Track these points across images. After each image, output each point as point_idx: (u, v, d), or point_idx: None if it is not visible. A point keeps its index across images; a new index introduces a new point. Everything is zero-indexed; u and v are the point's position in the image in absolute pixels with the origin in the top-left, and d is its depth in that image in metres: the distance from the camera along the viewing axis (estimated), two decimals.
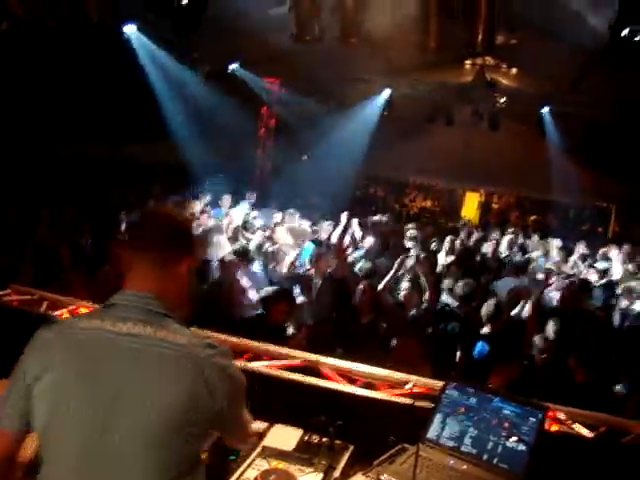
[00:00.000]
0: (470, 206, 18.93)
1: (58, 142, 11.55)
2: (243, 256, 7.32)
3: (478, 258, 9.93)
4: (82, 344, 1.80)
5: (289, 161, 15.21)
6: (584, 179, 14.33)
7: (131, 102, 11.59)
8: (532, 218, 17.81)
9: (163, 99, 12.56)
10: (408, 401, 2.89)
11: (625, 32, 5.84)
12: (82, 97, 11.10)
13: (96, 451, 1.73)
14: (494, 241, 11.06)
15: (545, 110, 14.05)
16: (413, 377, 3.18)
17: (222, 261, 6.92)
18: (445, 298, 7.06)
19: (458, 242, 10.35)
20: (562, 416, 2.96)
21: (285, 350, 3.50)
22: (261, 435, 2.75)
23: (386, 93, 14.68)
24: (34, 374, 1.79)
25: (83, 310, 3.81)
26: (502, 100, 13.86)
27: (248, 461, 2.53)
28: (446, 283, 7.46)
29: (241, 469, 2.46)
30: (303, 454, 2.64)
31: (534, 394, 2.94)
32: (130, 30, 10.85)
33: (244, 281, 6.91)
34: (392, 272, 6.57)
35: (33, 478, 1.86)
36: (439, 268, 8.70)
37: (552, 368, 5.13)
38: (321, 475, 2.49)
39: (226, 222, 9.61)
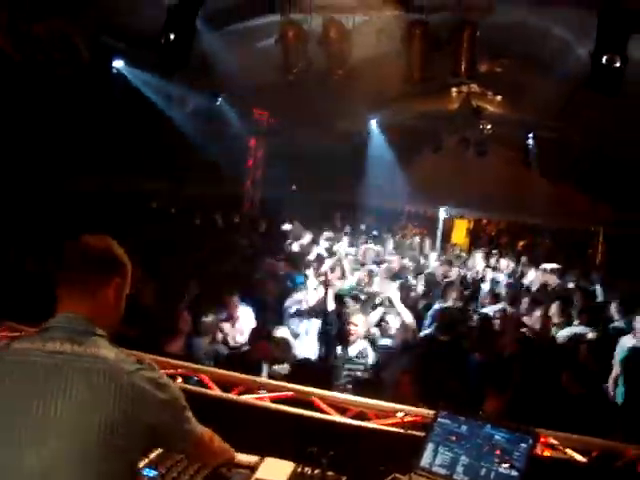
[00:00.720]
0: (459, 233, 19.04)
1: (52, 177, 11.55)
2: None
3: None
4: (10, 366, 1.83)
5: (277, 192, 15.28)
6: (572, 203, 14.46)
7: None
8: (522, 243, 17.91)
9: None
10: (400, 430, 2.89)
11: (604, 59, 5.95)
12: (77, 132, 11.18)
13: (26, 466, 1.72)
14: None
15: (530, 136, 14.23)
16: (404, 406, 3.18)
17: None
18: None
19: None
20: (554, 441, 2.96)
21: (275, 382, 3.51)
22: (253, 469, 2.73)
23: (373, 123, 14.83)
24: None
25: None
26: (488, 127, 14.01)
27: None
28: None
29: None
30: None
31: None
32: (118, 65, 10.99)
33: None
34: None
35: None
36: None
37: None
38: None
39: None
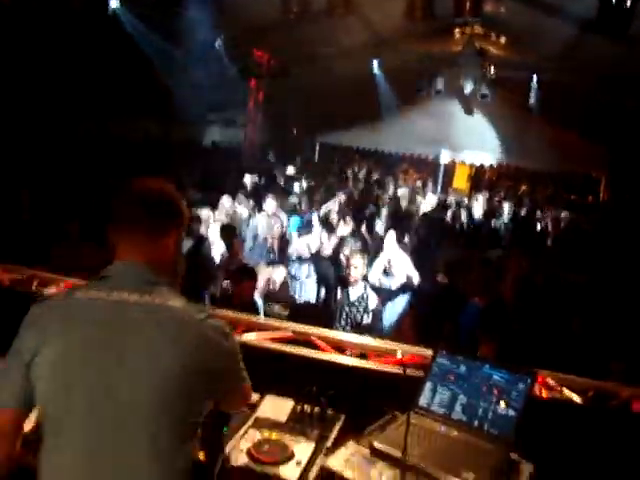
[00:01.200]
0: (461, 178, 18.94)
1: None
2: None
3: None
4: (80, 314, 1.82)
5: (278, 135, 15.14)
6: (573, 148, 14.34)
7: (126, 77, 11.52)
8: (523, 188, 17.84)
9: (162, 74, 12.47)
10: (399, 370, 2.91)
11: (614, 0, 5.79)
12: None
13: (103, 417, 1.76)
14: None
15: (534, 80, 14.03)
16: (403, 346, 3.20)
17: None
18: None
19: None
20: (551, 381, 2.99)
21: (276, 322, 3.52)
22: (254, 406, 2.77)
23: (374, 65, 14.61)
24: (32, 349, 1.80)
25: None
26: (492, 70, 13.81)
27: (241, 432, 2.56)
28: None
29: (234, 440, 2.48)
30: (296, 424, 2.67)
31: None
32: (114, 4, 10.79)
33: None
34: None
35: (31, 451, 1.89)
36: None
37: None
38: (313, 444, 2.51)
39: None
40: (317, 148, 16.91)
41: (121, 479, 1.78)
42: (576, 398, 2.95)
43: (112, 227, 1.94)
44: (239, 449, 2.42)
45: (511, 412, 2.49)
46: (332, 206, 9.79)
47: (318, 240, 7.71)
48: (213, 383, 1.88)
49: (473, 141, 15.17)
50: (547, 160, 14.69)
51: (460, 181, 18.83)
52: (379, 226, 9.32)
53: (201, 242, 7.13)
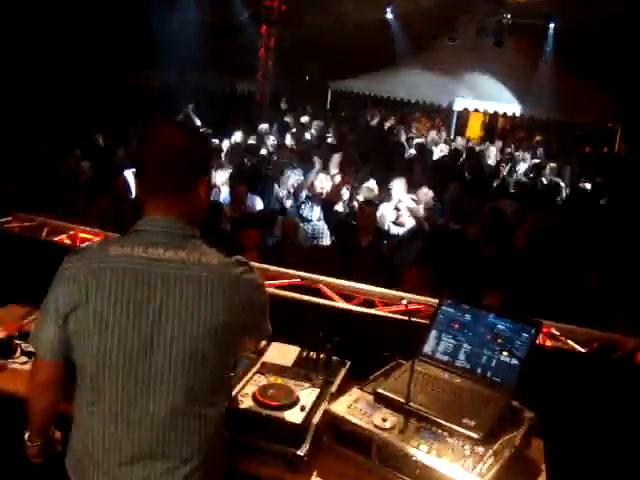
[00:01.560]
0: (474, 126, 18.74)
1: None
2: None
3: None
4: (117, 271, 1.81)
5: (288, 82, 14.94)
6: (589, 98, 14.08)
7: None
8: (537, 138, 17.62)
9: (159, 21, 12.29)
10: (404, 317, 2.93)
11: None
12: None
13: (141, 371, 1.80)
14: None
15: (550, 27, 13.71)
16: (409, 294, 3.22)
17: None
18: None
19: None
20: (556, 332, 3.01)
21: (283, 269, 3.54)
22: (260, 352, 2.81)
23: (388, 9, 14.32)
24: (69, 304, 1.82)
25: (83, 235, 3.84)
26: (508, 16, 13.51)
27: (247, 377, 2.59)
28: None
29: (241, 384, 2.52)
30: (301, 370, 2.69)
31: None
32: None
33: None
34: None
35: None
36: None
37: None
38: (318, 390, 2.54)
39: None
40: (329, 96, 16.74)
41: (156, 432, 1.82)
42: (580, 349, 2.98)
43: (139, 181, 1.93)
44: (245, 393, 2.46)
45: (514, 361, 2.50)
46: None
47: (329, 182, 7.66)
48: (244, 336, 1.96)
49: (488, 89, 14.95)
50: (562, 110, 14.47)
51: (474, 130, 18.65)
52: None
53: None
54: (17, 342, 2.83)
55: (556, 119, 15.83)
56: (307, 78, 17.35)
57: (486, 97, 15.19)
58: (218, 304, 1.80)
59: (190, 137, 1.91)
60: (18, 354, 2.78)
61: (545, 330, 2.96)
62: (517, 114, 15.57)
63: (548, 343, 3.06)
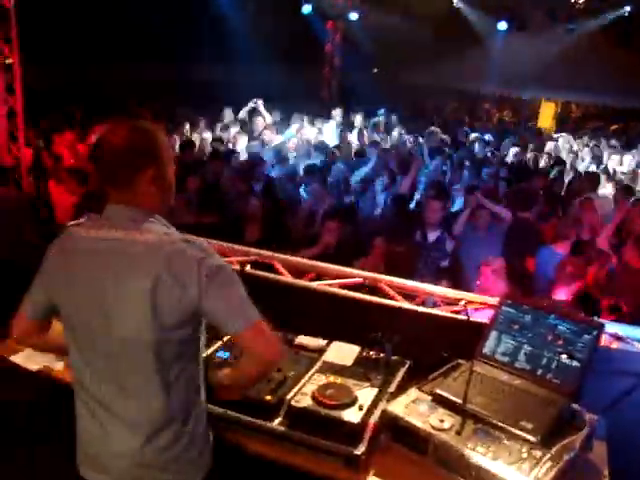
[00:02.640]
0: (546, 116, 18.27)
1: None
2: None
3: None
4: (71, 254, 2.03)
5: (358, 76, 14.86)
6: None
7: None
8: (613, 127, 17.04)
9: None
10: (464, 317, 2.93)
11: None
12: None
13: (104, 345, 2.00)
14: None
15: (626, 9, 13.20)
16: (468, 294, 3.20)
17: None
18: None
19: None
20: (621, 333, 2.95)
21: (345, 269, 3.58)
22: (321, 351, 2.86)
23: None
24: (49, 275, 2.09)
25: None
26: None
27: (307, 376, 2.64)
28: None
29: (300, 383, 2.57)
30: (360, 369, 2.73)
31: None
32: None
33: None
34: None
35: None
36: None
37: None
38: (377, 389, 2.57)
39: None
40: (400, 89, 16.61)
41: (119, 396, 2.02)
42: None
43: (95, 178, 2.10)
44: (304, 392, 2.51)
45: (575, 363, 2.48)
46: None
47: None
48: (191, 314, 1.96)
49: (559, 78, 14.52)
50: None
51: (545, 119, 18.17)
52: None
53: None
54: None
55: (634, 107, 15.22)
56: (375, 70, 17.25)
57: (558, 86, 14.78)
58: (147, 278, 1.90)
59: (130, 135, 2.00)
60: None
61: (609, 332, 2.90)
62: (591, 103, 15.06)
63: (614, 345, 3.00)
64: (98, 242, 1.99)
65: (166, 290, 1.90)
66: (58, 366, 2.90)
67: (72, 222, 2.19)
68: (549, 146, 11.49)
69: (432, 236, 5.97)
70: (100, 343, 1.99)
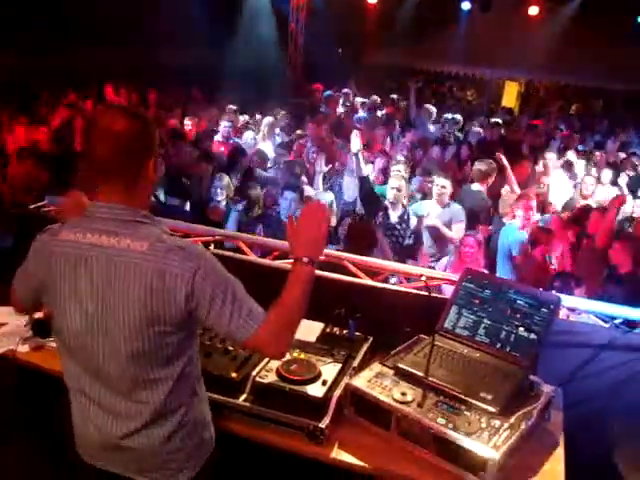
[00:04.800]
0: (510, 96, 18.43)
1: None
2: None
3: None
4: (63, 254, 1.93)
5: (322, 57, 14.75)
6: (634, 63, 13.60)
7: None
8: (574, 107, 17.28)
9: None
10: (424, 293, 2.98)
11: None
12: None
13: (89, 346, 1.94)
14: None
15: None
16: (427, 270, 3.26)
17: None
18: None
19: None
20: (578, 306, 3.03)
21: None
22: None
23: None
24: (34, 271, 2.02)
25: None
26: None
27: None
28: None
29: (265, 360, 2.60)
30: (324, 345, 2.77)
31: None
32: None
33: None
34: None
35: None
36: None
37: None
38: (340, 365, 2.61)
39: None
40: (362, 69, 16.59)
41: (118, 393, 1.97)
42: (602, 324, 2.99)
43: (86, 166, 1.94)
44: (269, 367, 2.54)
45: (532, 336, 2.54)
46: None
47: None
48: (184, 322, 1.91)
49: (523, 56, 14.61)
50: (603, 76, 14.09)
51: (509, 99, 18.33)
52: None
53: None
54: None
55: (597, 86, 15.41)
56: (339, 51, 17.16)
57: (521, 65, 14.87)
58: (139, 287, 1.84)
59: (133, 121, 1.89)
60: None
61: (566, 305, 2.98)
62: (554, 82, 15.20)
63: (571, 318, 3.08)
64: (89, 249, 1.89)
65: (160, 300, 1.85)
66: (22, 349, 2.88)
67: (60, 224, 2.03)
68: None
69: (394, 215, 6.00)
70: (93, 351, 1.93)
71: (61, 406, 2.18)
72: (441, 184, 6.27)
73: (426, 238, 6.19)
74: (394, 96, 13.17)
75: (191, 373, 2.04)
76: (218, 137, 8.87)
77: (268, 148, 8.65)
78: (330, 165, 7.80)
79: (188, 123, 9.27)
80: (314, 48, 14.98)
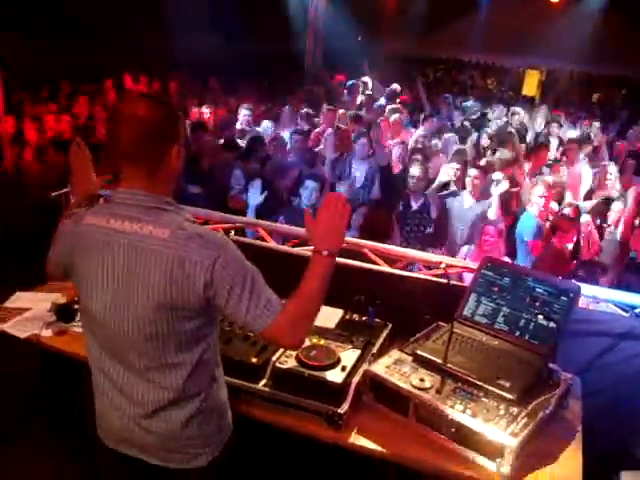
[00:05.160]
0: (531, 85, 18.25)
1: None
2: None
3: None
4: (86, 239, 1.97)
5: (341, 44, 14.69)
6: None
7: None
8: (596, 96, 17.07)
9: None
10: (444, 281, 2.99)
11: None
12: None
13: (111, 335, 1.97)
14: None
15: None
16: (446, 258, 3.26)
17: None
18: None
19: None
20: (597, 295, 3.03)
21: None
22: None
23: None
24: (61, 254, 2.09)
25: None
26: None
27: None
28: None
29: None
30: (343, 332, 2.79)
31: None
32: None
33: None
34: None
35: None
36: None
37: None
38: (359, 351, 2.63)
39: None
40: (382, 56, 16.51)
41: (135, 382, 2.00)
42: (622, 313, 2.99)
43: (110, 153, 1.94)
44: (289, 353, 2.56)
45: (551, 324, 2.54)
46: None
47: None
48: (203, 309, 1.91)
49: (544, 44, 14.46)
50: (626, 64, 13.91)
51: (530, 88, 18.16)
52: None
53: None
54: (77, 307, 2.95)
55: (619, 74, 15.21)
56: (359, 38, 17.09)
57: (543, 55, 14.74)
58: (159, 273, 1.85)
59: (158, 107, 1.91)
60: (78, 318, 2.92)
61: (585, 293, 2.97)
62: (576, 70, 15.02)
63: (590, 307, 3.07)
64: (112, 234, 1.91)
65: (179, 287, 1.85)
66: (46, 333, 2.93)
67: (86, 208, 2.06)
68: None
69: (416, 204, 6.00)
70: (113, 333, 1.95)
71: (83, 391, 2.22)
72: (473, 175, 6.20)
73: (462, 230, 6.09)
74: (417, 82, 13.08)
75: (210, 360, 2.05)
76: (237, 125, 8.89)
77: (287, 136, 8.67)
78: (339, 152, 7.77)
79: (206, 111, 9.28)
80: (333, 35, 14.91)
